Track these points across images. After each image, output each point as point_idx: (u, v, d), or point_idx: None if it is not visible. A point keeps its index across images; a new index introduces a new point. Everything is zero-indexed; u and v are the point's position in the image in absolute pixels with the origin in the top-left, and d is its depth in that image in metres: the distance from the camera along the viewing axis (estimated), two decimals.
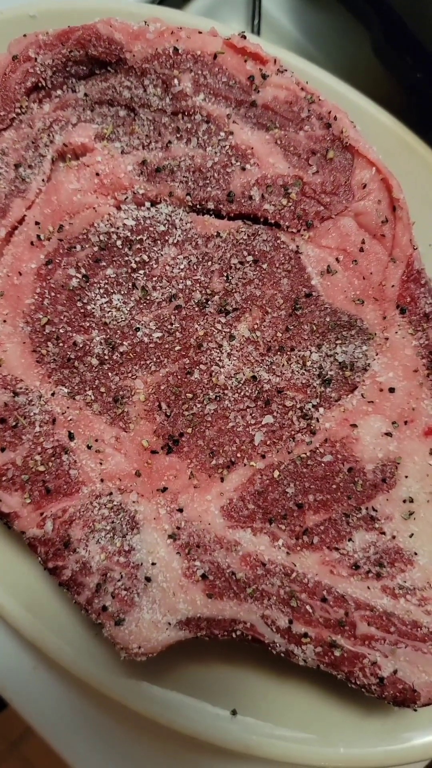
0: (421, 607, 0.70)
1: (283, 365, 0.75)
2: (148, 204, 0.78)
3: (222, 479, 0.73)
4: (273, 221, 0.77)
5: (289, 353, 0.76)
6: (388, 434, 0.73)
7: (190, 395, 0.75)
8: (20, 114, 0.78)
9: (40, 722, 0.82)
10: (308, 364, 0.75)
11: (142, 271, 0.76)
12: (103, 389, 0.75)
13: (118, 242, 0.76)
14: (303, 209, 0.77)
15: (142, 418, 0.75)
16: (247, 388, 0.75)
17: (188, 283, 0.76)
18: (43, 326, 0.75)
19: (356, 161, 0.77)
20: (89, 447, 0.73)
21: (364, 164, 0.77)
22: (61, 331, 0.75)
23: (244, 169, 0.76)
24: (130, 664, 0.74)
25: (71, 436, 0.73)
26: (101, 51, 0.76)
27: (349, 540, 0.71)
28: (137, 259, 0.76)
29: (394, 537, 0.71)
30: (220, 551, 0.70)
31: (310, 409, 0.75)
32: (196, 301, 0.76)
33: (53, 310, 0.76)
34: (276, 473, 0.73)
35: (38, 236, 0.76)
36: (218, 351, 0.75)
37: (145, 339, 0.75)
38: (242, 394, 0.75)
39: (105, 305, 0.76)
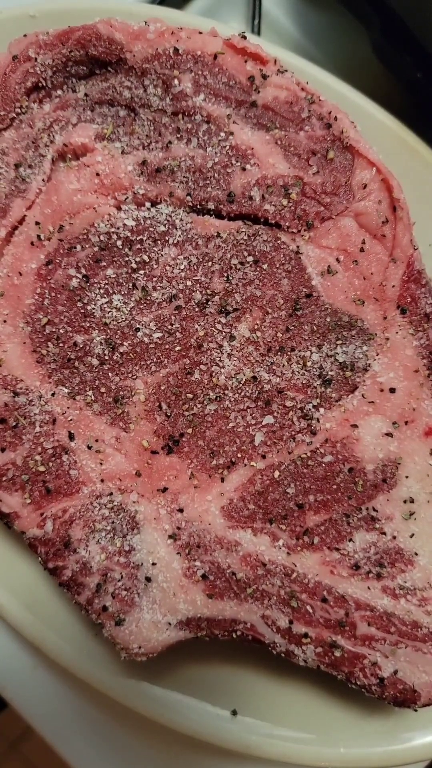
0: (422, 607, 0.70)
1: (283, 365, 0.75)
2: (148, 204, 0.77)
3: (222, 479, 0.73)
4: (273, 221, 0.77)
5: (289, 353, 0.76)
6: (389, 434, 0.73)
7: (190, 395, 0.75)
8: (20, 114, 0.78)
9: (40, 722, 0.82)
10: (309, 364, 0.75)
11: (142, 272, 0.76)
12: (103, 389, 0.75)
13: (118, 242, 0.76)
14: (303, 209, 0.77)
15: (143, 419, 0.75)
16: (247, 389, 0.75)
17: (188, 283, 0.76)
18: (43, 326, 0.75)
19: (356, 161, 0.77)
20: (89, 447, 0.73)
21: (364, 164, 0.77)
22: (61, 331, 0.75)
23: (244, 169, 0.76)
24: (130, 664, 0.74)
25: (71, 436, 0.73)
26: (101, 51, 0.76)
27: (350, 540, 0.71)
28: (137, 259, 0.76)
29: (394, 537, 0.71)
30: (221, 551, 0.70)
31: (310, 409, 0.75)
32: (197, 301, 0.76)
33: (53, 310, 0.76)
34: (276, 473, 0.73)
35: (38, 236, 0.76)
36: (218, 351, 0.75)
37: (146, 339, 0.75)
38: (242, 394, 0.75)
39: (105, 305, 0.76)
